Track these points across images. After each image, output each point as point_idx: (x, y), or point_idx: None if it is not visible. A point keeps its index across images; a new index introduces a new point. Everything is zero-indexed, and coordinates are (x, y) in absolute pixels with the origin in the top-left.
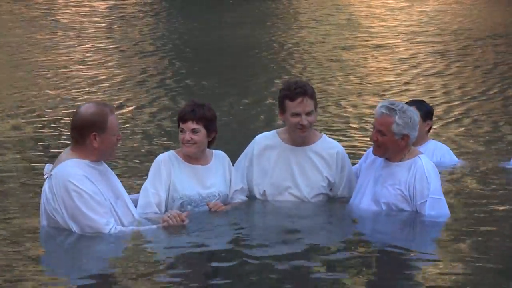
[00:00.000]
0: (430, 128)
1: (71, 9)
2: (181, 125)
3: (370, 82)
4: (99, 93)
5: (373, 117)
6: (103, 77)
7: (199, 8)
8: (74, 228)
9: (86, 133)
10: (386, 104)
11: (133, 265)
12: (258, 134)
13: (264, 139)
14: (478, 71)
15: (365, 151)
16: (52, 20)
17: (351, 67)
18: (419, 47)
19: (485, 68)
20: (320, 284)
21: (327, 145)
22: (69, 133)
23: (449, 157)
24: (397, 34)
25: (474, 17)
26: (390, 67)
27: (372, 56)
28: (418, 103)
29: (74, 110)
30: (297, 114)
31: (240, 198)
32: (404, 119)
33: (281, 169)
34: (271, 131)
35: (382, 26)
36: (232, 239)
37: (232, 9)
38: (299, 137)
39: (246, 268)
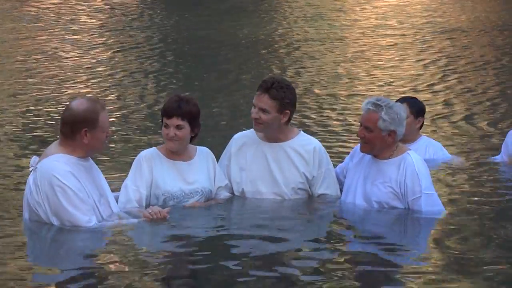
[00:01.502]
0: (422, 125)
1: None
2: (165, 120)
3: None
4: (84, 88)
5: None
6: (88, 72)
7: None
8: (55, 223)
9: (77, 129)
10: (372, 100)
11: (114, 258)
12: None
13: (242, 137)
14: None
15: None
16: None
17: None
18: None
19: (442, 62)
20: (310, 281)
21: (304, 142)
22: (59, 127)
23: (442, 153)
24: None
25: (441, 12)
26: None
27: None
28: (410, 100)
29: (65, 105)
30: (253, 105)
31: (224, 194)
32: (391, 115)
33: (258, 166)
34: (250, 129)
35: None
36: (214, 235)
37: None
38: (255, 128)
39: (227, 262)
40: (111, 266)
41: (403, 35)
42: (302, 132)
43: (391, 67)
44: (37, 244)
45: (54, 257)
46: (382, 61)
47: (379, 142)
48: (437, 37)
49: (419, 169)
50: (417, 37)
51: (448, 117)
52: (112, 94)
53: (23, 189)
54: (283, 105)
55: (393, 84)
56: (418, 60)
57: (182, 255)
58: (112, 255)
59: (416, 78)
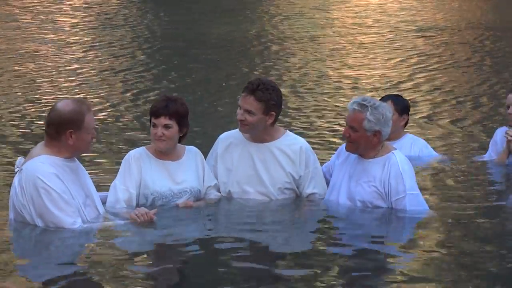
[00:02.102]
0: (406, 123)
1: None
2: (153, 120)
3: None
4: (75, 88)
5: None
6: (79, 72)
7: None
8: (40, 225)
9: (62, 130)
10: (358, 100)
11: (99, 260)
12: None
13: (228, 138)
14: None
15: None
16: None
17: None
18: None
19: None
20: (295, 279)
21: (290, 141)
22: (44, 128)
23: (427, 151)
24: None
25: (416, 11)
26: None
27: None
28: (394, 97)
29: (51, 106)
30: (239, 106)
31: (214, 194)
32: (376, 116)
33: (244, 166)
34: (236, 129)
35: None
36: (201, 236)
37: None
38: (240, 129)
39: (215, 263)
40: (96, 268)
41: (377, 33)
42: (288, 131)
43: (361, 65)
44: (22, 245)
45: (38, 258)
46: (353, 59)
47: (364, 142)
48: (410, 35)
49: (404, 169)
50: (390, 36)
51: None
52: (97, 93)
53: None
54: (269, 107)
55: (362, 82)
56: (389, 59)
57: (168, 257)
58: (97, 256)
59: (386, 77)
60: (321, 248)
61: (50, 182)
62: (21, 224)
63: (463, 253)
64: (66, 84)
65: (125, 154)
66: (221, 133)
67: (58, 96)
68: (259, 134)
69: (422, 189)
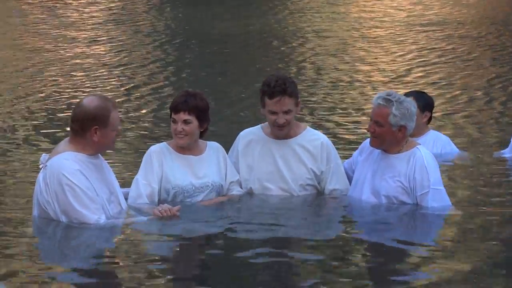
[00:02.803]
0: (430, 119)
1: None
2: (173, 116)
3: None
4: (99, 84)
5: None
6: (102, 69)
7: None
8: (64, 221)
9: (87, 127)
10: (383, 95)
11: (123, 257)
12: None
13: (248, 134)
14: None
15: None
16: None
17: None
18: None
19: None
20: (319, 277)
21: (311, 137)
22: (69, 124)
23: (450, 148)
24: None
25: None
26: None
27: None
28: (416, 94)
29: (76, 103)
30: (275, 112)
31: (237, 190)
32: (401, 110)
33: (265, 163)
34: (256, 126)
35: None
36: (224, 233)
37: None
38: (278, 133)
39: (237, 260)
40: (119, 264)
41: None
42: (309, 127)
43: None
44: (45, 242)
45: (62, 255)
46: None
47: (389, 137)
48: (413, 30)
49: (428, 163)
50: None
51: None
52: (122, 90)
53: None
54: (297, 98)
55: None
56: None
57: (191, 254)
58: (120, 253)
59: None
60: (344, 244)
61: (74, 178)
62: (45, 221)
63: (484, 250)
64: (85, 81)
65: (145, 150)
66: (238, 132)
67: (80, 93)
68: (289, 130)
69: (445, 185)
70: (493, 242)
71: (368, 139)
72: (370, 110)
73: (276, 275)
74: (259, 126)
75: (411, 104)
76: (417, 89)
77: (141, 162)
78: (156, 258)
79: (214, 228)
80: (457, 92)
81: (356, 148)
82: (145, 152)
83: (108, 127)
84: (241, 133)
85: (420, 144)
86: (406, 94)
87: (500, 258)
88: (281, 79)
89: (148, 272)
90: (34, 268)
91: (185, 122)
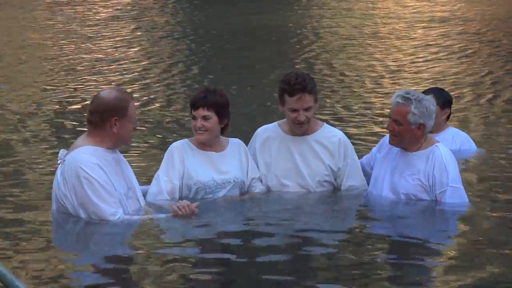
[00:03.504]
0: (449, 116)
1: None
2: (192, 112)
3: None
4: (114, 79)
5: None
6: (120, 64)
7: None
8: (82, 215)
9: (107, 117)
10: (401, 93)
11: (140, 253)
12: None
13: (266, 131)
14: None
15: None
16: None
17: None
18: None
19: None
20: (338, 274)
21: (328, 133)
22: (87, 118)
23: (469, 145)
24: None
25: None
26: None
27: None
28: (436, 91)
29: (94, 96)
30: (295, 110)
31: (259, 187)
32: (420, 109)
33: (283, 160)
34: (273, 123)
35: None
36: (243, 231)
37: None
38: (298, 130)
39: (255, 258)
40: (136, 261)
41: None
42: (325, 124)
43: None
44: (63, 236)
45: (79, 251)
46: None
47: (408, 135)
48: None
49: (448, 161)
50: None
51: None
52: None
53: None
54: (317, 94)
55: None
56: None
57: (209, 251)
58: (137, 250)
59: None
60: (363, 241)
61: (92, 172)
62: (63, 216)
63: (502, 248)
64: (109, 77)
65: (166, 147)
66: (257, 128)
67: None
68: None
69: (463, 182)
70: (510, 240)
71: (387, 136)
72: (374, 106)
73: (294, 273)
74: (275, 123)
75: (430, 102)
76: (435, 85)
77: (162, 159)
78: (174, 255)
79: (232, 225)
80: (466, 90)
81: (364, 145)
82: (164, 150)
83: (126, 118)
84: (258, 130)
85: (439, 142)
86: (426, 92)
87: None
88: (301, 76)
89: (165, 269)
90: (51, 264)
91: (205, 118)
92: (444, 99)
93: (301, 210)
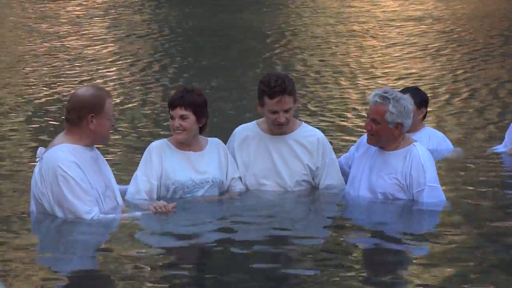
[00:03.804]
0: (425, 116)
1: None
2: (170, 112)
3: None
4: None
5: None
6: (100, 62)
7: None
8: (58, 213)
9: (83, 115)
10: (379, 92)
11: (116, 252)
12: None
13: (244, 130)
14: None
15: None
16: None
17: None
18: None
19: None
20: (315, 273)
21: (307, 133)
22: (64, 116)
23: (445, 144)
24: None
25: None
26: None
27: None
28: (413, 90)
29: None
30: (275, 112)
31: (239, 187)
32: (398, 108)
33: (262, 159)
34: (251, 122)
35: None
36: (220, 229)
37: None
38: (277, 131)
39: (233, 257)
40: (112, 259)
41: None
42: (304, 123)
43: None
44: (40, 236)
45: (56, 250)
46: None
47: (386, 134)
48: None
49: (425, 161)
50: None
51: None
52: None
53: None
54: (296, 94)
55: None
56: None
57: (186, 251)
58: (113, 249)
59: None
60: (339, 240)
61: (69, 170)
62: (41, 215)
63: (479, 246)
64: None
65: (142, 146)
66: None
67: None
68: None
69: (440, 181)
70: (488, 238)
71: (365, 135)
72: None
73: (272, 271)
74: (254, 122)
75: (408, 102)
76: (408, 84)
77: (138, 159)
78: (149, 255)
79: (210, 224)
80: (440, 89)
81: (341, 144)
82: (142, 150)
83: (103, 115)
84: (236, 129)
85: (416, 141)
86: (402, 91)
87: (494, 253)
88: (281, 78)
89: (139, 269)
90: (28, 264)
91: (182, 117)
92: (420, 99)
93: (279, 209)
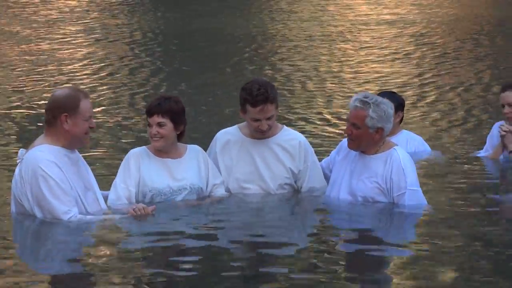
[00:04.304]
0: (401, 119)
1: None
2: (148, 119)
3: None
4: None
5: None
6: (82, 69)
7: None
8: (37, 213)
9: (57, 114)
10: (359, 97)
11: (95, 254)
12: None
13: (226, 135)
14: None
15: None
16: None
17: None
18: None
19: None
20: (295, 276)
21: (288, 136)
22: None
23: (423, 148)
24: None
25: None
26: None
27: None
28: (388, 95)
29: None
30: (258, 120)
31: (220, 192)
32: (378, 112)
33: (244, 163)
34: (233, 126)
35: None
36: (199, 233)
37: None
38: (260, 137)
39: (211, 261)
40: (91, 262)
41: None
42: (285, 127)
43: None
44: (21, 238)
45: (35, 253)
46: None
47: (366, 138)
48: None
49: (405, 164)
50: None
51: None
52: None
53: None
54: (277, 101)
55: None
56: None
57: (164, 252)
58: (92, 251)
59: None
60: (321, 243)
61: (48, 169)
62: (21, 216)
63: (459, 249)
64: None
65: (114, 152)
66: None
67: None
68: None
69: (420, 184)
70: (469, 240)
71: (346, 139)
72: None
73: (251, 274)
74: (236, 126)
75: (388, 106)
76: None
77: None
78: (130, 256)
79: (190, 226)
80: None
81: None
82: (113, 156)
83: (78, 115)
84: (218, 134)
85: (397, 145)
86: (378, 95)
87: (474, 257)
88: (263, 87)
89: (117, 271)
90: (8, 266)
91: (159, 125)
92: (397, 103)
93: (261, 212)
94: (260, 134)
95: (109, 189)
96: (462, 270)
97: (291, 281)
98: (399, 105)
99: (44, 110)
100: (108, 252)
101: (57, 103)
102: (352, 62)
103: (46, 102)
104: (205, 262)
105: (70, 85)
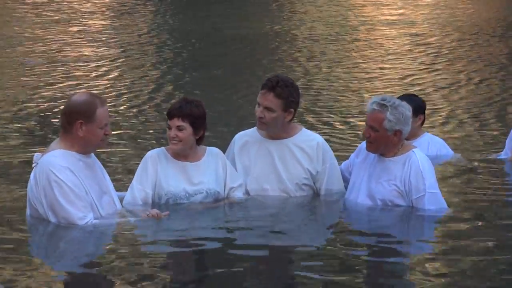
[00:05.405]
0: (423, 122)
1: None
2: (168, 122)
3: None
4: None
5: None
6: (97, 72)
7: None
8: (51, 218)
9: (72, 120)
10: (377, 100)
11: (109, 258)
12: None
13: (243, 136)
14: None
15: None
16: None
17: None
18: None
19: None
20: (314, 280)
21: (307, 137)
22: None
23: (445, 151)
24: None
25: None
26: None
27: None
28: (408, 98)
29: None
30: (258, 104)
31: (238, 196)
32: (396, 115)
33: (262, 163)
34: (252, 128)
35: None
36: (217, 235)
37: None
38: (259, 127)
39: (231, 264)
40: (105, 265)
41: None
42: (304, 128)
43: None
44: (36, 242)
45: (51, 256)
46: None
47: (385, 141)
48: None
49: (424, 167)
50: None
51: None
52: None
53: None
54: (288, 104)
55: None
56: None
57: (181, 256)
58: (106, 255)
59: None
60: (340, 246)
61: (62, 175)
62: (37, 220)
63: (480, 253)
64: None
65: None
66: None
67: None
68: (277, 131)
69: (440, 188)
70: (491, 245)
71: (365, 141)
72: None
73: (271, 275)
74: (254, 128)
75: (406, 109)
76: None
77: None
78: (146, 260)
79: (206, 230)
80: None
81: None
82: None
83: (94, 123)
84: (236, 135)
85: (416, 147)
86: (400, 98)
87: (496, 262)
88: (279, 78)
89: (135, 274)
90: (23, 270)
91: (179, 128)
92: (416, 105)
93: (279, 215)
94: (258, 121)
95: (125, 191)
96: (484, 277)
97: (309, 283)
98: (420, 107)
99: (58, 114)
100: (122, 255)
101: (73, 108)
102: (344, 63)
103: (62, 105)
104: (221, 264)
105: (86, 91)
